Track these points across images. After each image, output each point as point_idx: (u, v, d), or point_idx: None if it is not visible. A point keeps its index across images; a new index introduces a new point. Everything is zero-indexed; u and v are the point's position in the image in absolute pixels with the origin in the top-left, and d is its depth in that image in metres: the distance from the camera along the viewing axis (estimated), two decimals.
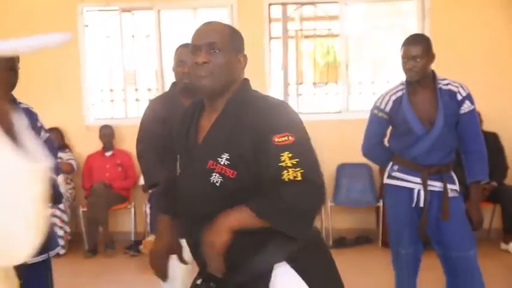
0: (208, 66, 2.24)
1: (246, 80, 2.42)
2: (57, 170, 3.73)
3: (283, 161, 2.12)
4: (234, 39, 2.33)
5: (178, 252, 2.68)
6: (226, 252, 2.16)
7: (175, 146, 2.56)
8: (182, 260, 2.70)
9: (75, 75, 7.82)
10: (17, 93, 3.26)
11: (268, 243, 2.21)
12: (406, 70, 3.95)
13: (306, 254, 2.27)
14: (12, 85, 3.25)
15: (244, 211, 2.16)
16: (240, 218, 2.17)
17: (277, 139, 2.14)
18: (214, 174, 2.23)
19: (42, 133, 3.65)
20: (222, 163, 2.21)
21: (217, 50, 2.25)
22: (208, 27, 2.34)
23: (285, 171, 2.12)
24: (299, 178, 2.13)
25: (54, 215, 6.92)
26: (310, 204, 2.23)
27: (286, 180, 2.12)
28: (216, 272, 2.17)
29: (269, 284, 2.24)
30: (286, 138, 2.14)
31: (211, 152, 2.27)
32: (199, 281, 2.29)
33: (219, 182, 2.23)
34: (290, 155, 2.13)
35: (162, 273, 2.66)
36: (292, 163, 2.12)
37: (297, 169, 2.12)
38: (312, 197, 2.21)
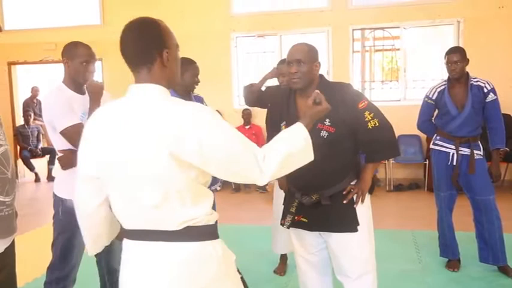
0: (297, 74, 2.34)
1: (322, 75, 2.48)
2: None
3: (366, 117, 2.32)
4: (311, 54, 2.37)
5: (285, 188, 2.72)
6: (325, 176, 2.35)
7: (279, 117, 2.52)
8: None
9: (228, 77, 7.98)
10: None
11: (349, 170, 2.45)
12: (450, 71, 3.75)
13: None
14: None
15: (372, 166, 2.46)
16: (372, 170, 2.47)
17: (360, 105, 2.34)
18: (323, 131, 2.31)
19: None
20: (326, 124, 2.31)
21: (302, 63, 2.33)
22: (296, 48, 2.39)
23: (369, 123, 2.32)
24: (377, 124, 2.33)
25: None
26: (391, 136, 2.42)
27: (371, 127, 2.33)
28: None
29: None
30: (364, 103, 2.35)
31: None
32: (303, 198, 2.43)
33: (325, 135, 2.31)
34: (368, 112, 2.33)
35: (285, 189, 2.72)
36: (371, 117, 2.33)
37: (374, 119, 2.33)
38: (389, 132, 2.40)
